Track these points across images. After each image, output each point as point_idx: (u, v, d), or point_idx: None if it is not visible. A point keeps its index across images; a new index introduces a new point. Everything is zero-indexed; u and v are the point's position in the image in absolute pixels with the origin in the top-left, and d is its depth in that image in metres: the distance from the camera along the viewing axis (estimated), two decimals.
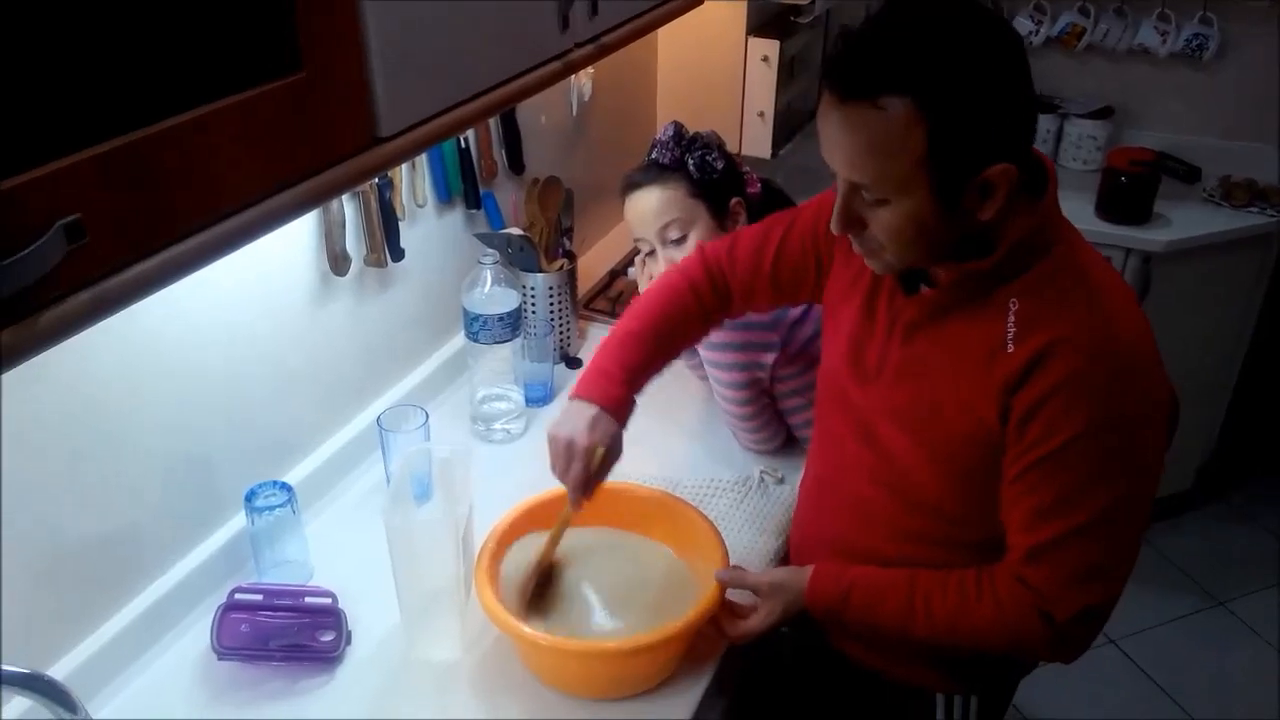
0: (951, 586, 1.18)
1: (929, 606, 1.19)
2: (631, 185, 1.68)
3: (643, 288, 1.78)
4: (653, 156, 1.67)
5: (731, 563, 1.33)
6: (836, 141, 1.06)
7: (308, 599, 1.35)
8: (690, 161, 1.64)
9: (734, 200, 1.68)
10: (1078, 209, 2.57)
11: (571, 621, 1.31)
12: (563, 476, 1.30)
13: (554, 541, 1.34)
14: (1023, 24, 2.85)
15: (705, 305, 1.44)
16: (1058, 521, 1.10)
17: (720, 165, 1.66)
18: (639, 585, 1.37)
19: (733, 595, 1.32)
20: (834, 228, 1.12)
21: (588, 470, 1.28)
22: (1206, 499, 3.01)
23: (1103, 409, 1.06)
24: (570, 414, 1.31)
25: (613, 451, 1.31)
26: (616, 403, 1.32)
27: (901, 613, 1.20)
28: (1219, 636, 2.69)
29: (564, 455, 1.29)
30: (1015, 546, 1.14)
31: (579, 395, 1.32)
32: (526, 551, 1.36)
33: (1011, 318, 1.10)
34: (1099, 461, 1.08)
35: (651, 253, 1.70)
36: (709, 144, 1.67)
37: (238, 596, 1.33)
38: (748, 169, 1.76)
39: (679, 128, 1.67)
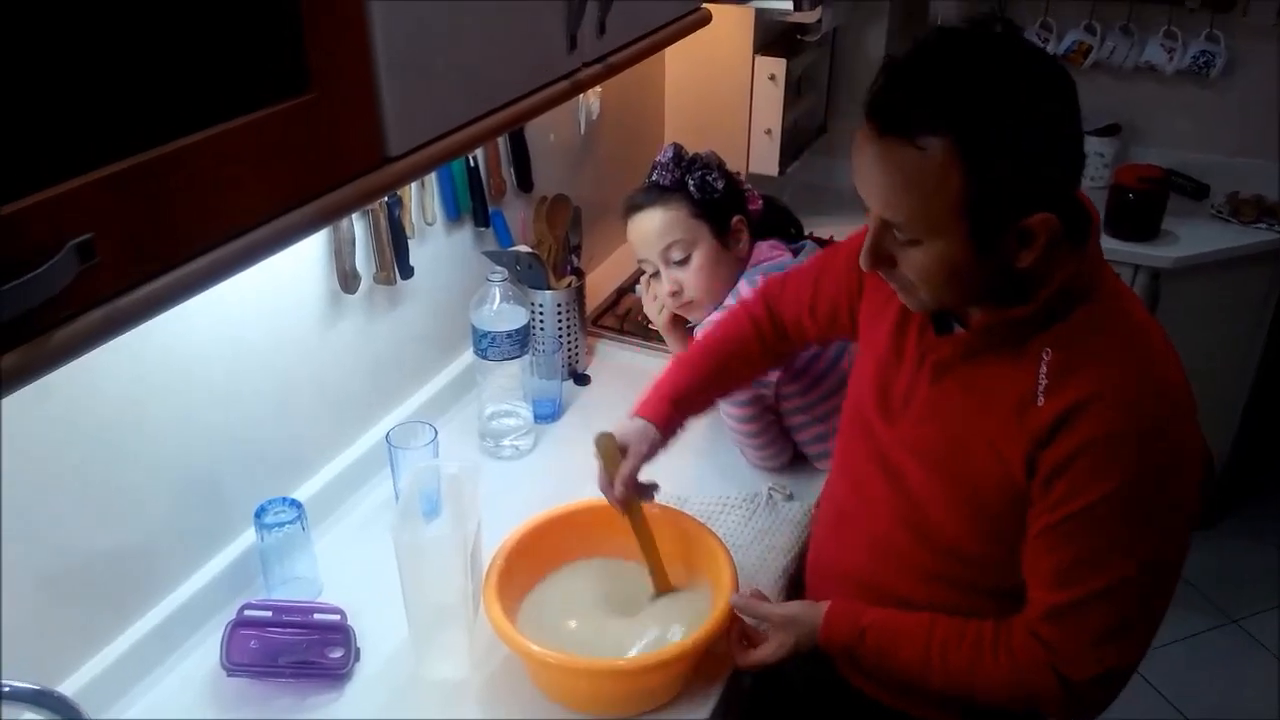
0: (968, 638, 1.15)
1: (944, 656, 1.16)
2: (633, 208, 1.69)
3: (648, 309, 1.79)
4: (653, 178, 1.68)
5: (741, 580, 1.33)
6: (870, 176, 1.03)
7: (317, 615, 1.35)
8: (690, 182, 1.65)
9: (735, 218, 1.69)
10: None
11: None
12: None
13: (653, 558, 1.36)
14: None
15: (764, 336, 1.48)
16: (1080, 583, 1.06)
17: (720, 185, 1.66)
18: (647, 602, 1.37)
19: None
20: (863, 263, 1.10)
21: (601, 473, 1.34)
22: (1218, 516, 3.00)
23: (1133, 471, 1.02)
24: None
25: (636, 447, 1.35)
26: (652, 411, 1.39)
27: (916, 660, 1.18)
28: (1231, 654, 2.67)
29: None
30: (1035, 602, 1.11)
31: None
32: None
33: (1044, 368, 1.06)
34: (1126, 525, 1.04)
35: (656, 274, 1.71)
36: (708, 164, 1.68)
37: (247, 613, 1.33)
38: (748, 186, 1.77)
39: (678, 149, 1.69)
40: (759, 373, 1.54)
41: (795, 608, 1.28)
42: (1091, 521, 1.04)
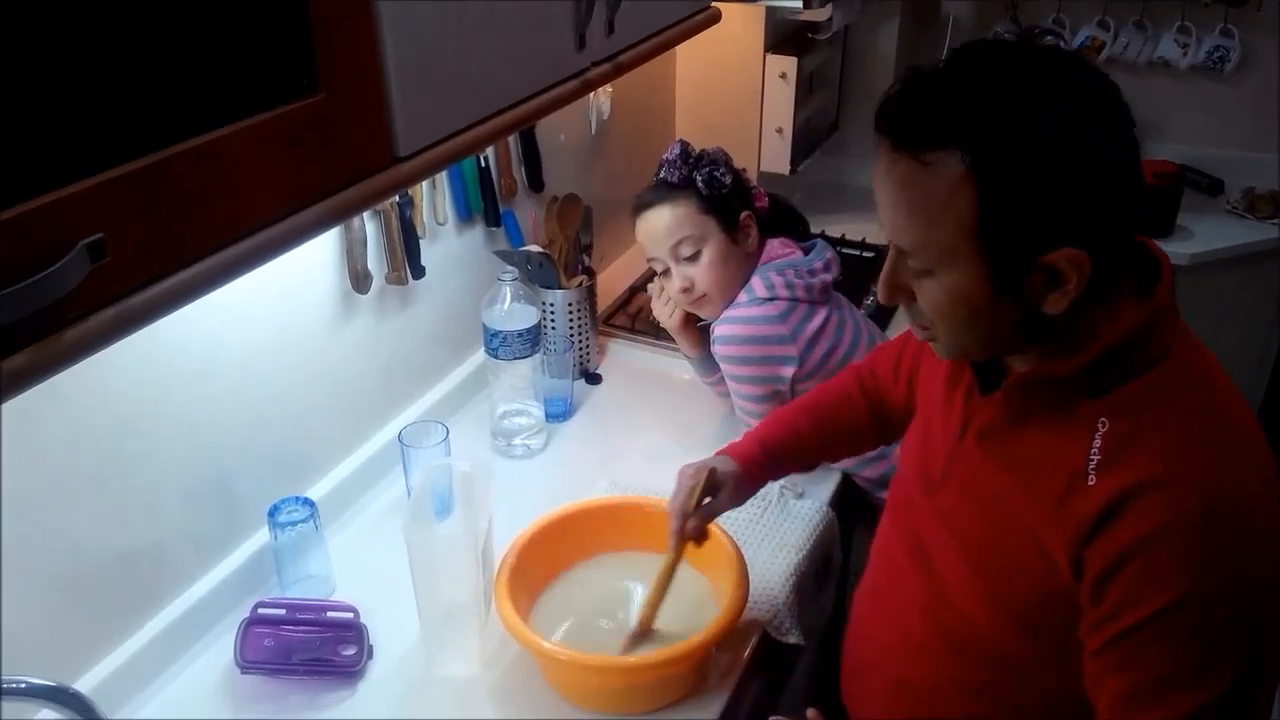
0: None
1: None
2: (642, 206, 1.69)
3: (658, 312, 1.79)
4: (661, 176, 1.69)
5: (751, 577, 1.33)
6: (881, 195, 0.93)
7: (330, 613, 1.36)
8: (698, 178, 1.65)
9: (744, 214, 1.69)
10: None
11: None
12: (670, 504, 1.30)
13: (657, 597, 1.30)
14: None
15: (869, 396, 1.38)
16: (1156, 710, 0.88)
17: (728, 180, 1.67)
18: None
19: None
20: (880, 295, 1.00)
21: (688, 497, 1.28)
22: None
23: (1209, 575, 0.85)
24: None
25: (721, 494, 1.31)
26: (742, 454, 1.34)
27: None
28: None
29: (676, 483, 1.31)
30: None
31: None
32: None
33: (1098, 441, 0.91)
34: (1206, 640, 0.86)
35: (666, 271, 1.71)
36: (715, 160, 1.68)
37: (261, 611, 1.34)
38: (754, 184, 1.77)
39: (685, 146, 1.69)
40: (866, 435, 1.41)
41: None
42: (1160, 635, 0.87)
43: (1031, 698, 1.04)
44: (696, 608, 1.34)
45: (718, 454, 1.35)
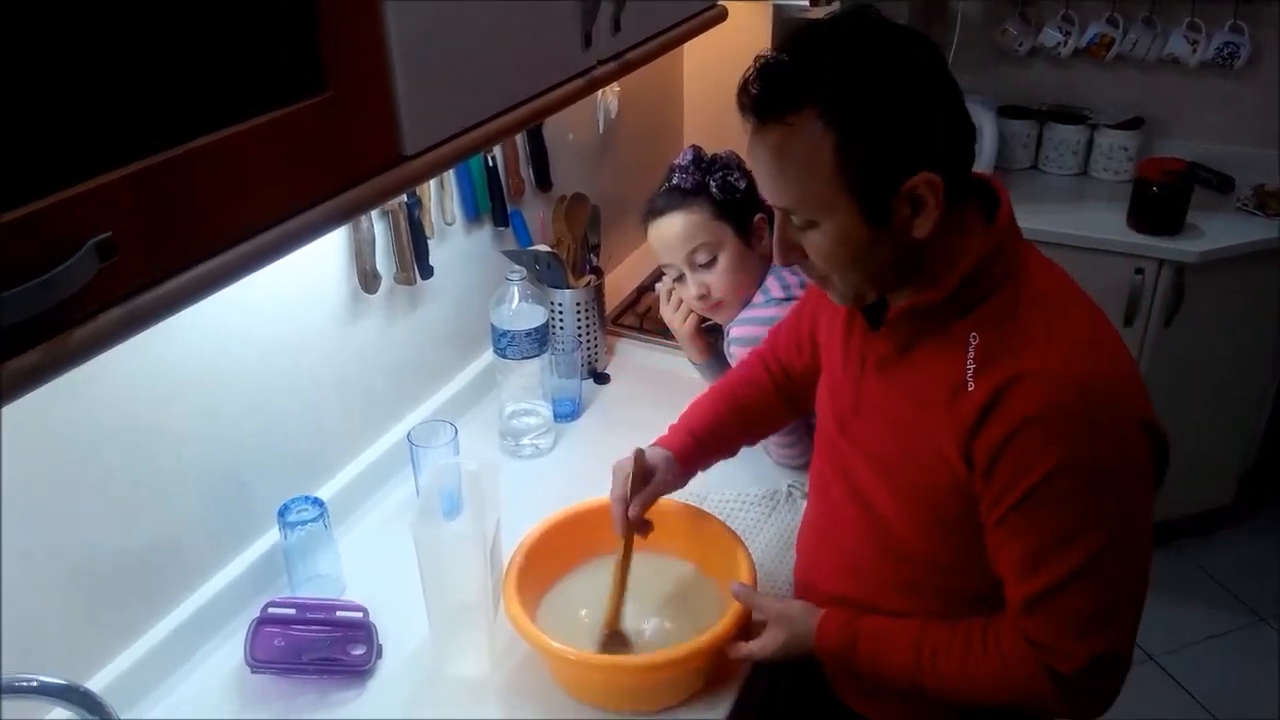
0: (958, 640, 1.12)
1: (935, 661, 1.13)
2: (654, 212, 1.68)
3: (666, 314, 1.79)
4: (673, 182, 1.67)
5: (759, 578, 1.33)
6: (758, 168, 1.06)
7: (340, 613, 1.36)
8: (712, 184, 1.64)
9: (757, 217, 1.68)
10: (1109, 220, 2.55)
11: None
12: (611, 496, 1.33)
13: (618, 593, 1.32)
14: (1051, 35, 2.84)
15: (774, 375, 1.46)
16: (1045, 569, 1.03)
17: (742, 185, 1.66)
18: (665, 599, 1.37)
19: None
20: (775, 258, 1.11)
21: (623, 484, 1.31)
22: (1247, 513, 2.96)
23: (1074, 447, 1.00)
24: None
25: (657, 477, 1.34)
26: (675, 445, 1.39)
27: (908, 666, 1.14)
28: (1261, 653, 2.64)
29: (613, 477, 1.34)
30: (1011, 600, 1.09)
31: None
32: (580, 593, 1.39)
33: (971, 353, 1.05)
34: (1078, 503, 1.01)
35: (680, 278, 1.70)
36: (729, 164, 1.67)
37: (271, 610, 1.34)
38: None
39: (697, 151, 1.68)
40: (778, 414, 1.50)
41: (795, 607, 1.25)
42: (1040, 504, 1.02)
43: (958, 589, 1.17)
44: (705, 607, 1.34)
45: (652, 446, 1.39)
